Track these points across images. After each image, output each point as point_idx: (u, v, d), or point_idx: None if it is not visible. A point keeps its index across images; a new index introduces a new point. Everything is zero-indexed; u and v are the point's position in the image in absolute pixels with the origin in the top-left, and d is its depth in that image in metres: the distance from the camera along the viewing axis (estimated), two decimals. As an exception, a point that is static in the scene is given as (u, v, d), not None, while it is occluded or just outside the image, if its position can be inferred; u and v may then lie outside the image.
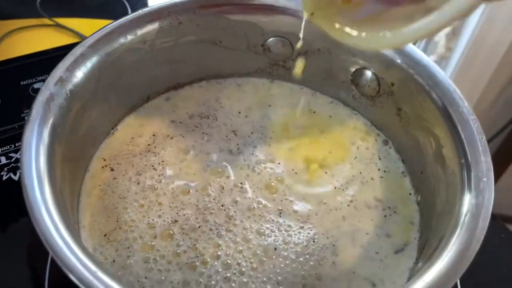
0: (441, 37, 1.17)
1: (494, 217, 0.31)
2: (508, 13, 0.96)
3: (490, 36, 1.02)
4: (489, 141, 1.16)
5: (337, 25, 0.26)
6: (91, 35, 0.31)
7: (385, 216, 0.33)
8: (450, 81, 0.31)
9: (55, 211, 0.24)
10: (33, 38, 0.58)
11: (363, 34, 0.25)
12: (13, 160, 0.42)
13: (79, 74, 0.30)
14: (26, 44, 0.56)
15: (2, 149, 0.43)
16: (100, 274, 0.22)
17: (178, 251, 0.30)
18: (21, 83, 0.48)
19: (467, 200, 0.26)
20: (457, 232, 0.25)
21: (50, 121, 0.27)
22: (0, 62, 0.51)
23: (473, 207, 0.25)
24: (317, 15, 0.28)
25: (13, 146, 0.43)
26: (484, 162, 0.27)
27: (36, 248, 0.36)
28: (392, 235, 0.32)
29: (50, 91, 0.28)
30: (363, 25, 0.25)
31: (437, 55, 1.20)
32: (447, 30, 1.13)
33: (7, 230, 0.38)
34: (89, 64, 0.30)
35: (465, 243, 0.24)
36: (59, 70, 0.29)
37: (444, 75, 0.32)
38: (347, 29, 0.26)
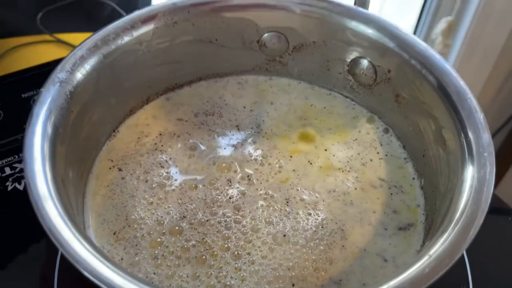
0: (438, 34, 1.17)
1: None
2: (503, 6, 0.97)
3: (486, 31, 1.02)
4: (493, 134, 1.16)
5: None
6: (88, 37, 0.32)
7: (391, 194, 0.33)
8: (445, 63, 0.32)
9: (61, 207, 0.24)
10: (35, 53, 0.59)
11: None
12: (17, 170, 0.42)
13: (78, 76, 0.30)
14: (27, 59, 0.57)
15: (6, 160, 0.43)
16: (112, 267, 0.22)
17: (187, 245, 0.30)
18: (22, 95, 0.49)
19: (469, 176, 0.26)
20: (461, 207, 0.25)
21: (52, 121, 0.27)
22: (2, 77, 0.51)
23: (475, 181, 0.25)
24: None
25: (16, 156, 0.43)
26: (484, 137, 0.27)
27: (43, 254, 0.36)
28: (399, 211, 0.32)
29: (50, 92, 0.28)
30: None
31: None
32: (442, 26, 1.14)
33: (14, 238, 0.38)
34: (87, 66, 0.31)
35: (470, 216, 0.24)
36: (59, 71, 0.29)
37: (439, 57, 0.32)
38: None
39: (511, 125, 1.13)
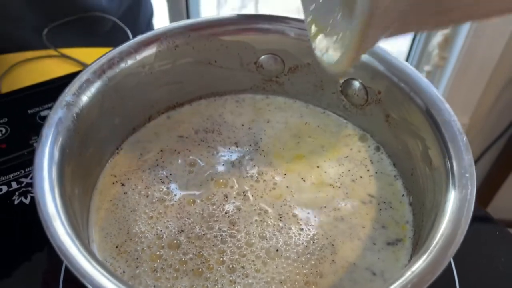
0: (434, 47, 1.19)
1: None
2: (498, 19, 0.98)
3: (482, 42, 1.04)
4: (488, 147, 1.18)
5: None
6: (94, 61, 0.34)
7: (380, 209, 0.34)
8: (432, 86, 0.33)
9: (68, 225, 0.25)
10: (40, 68, 0.61)
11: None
12: (23, 184, 0.44)
13: (84, 98, 0.32)
14: (33, 74, 0.59)
15: (13, 174, 0.45)
16: (116, 281, 0.23)
17: (185, 259, 0.31)
18: (29, 111, 0.51)
19: (452, 195, 0.28)
20: (443, 225, 0.26)
21: (59, 143, 0.29)
22: (9, 93, 0.53)
23: (457, 200, 0.27)
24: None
25: (23, 171, 0.45)
26: (466, 159, 0.29)
27: (49, 268, 0.38)
28: (388, 226, 0.33)
29: (58, 115, 0.30)
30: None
31: (431, 65, 1.22)
32: (439, 39, 1.16)
33: (20, 252, 0.39)
34: (93, 89, 0.33)
35: (450, 235, 0.26)
36: (66, 95, 0.31)
37: (427, 81, 0.34)
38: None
39: (507, 136, 1.15)
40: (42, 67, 0.62)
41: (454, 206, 0.27)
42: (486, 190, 1.19)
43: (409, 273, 0.24)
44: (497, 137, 1.15)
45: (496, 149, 1.18)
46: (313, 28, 0.30)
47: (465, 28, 1.07)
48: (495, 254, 0.41)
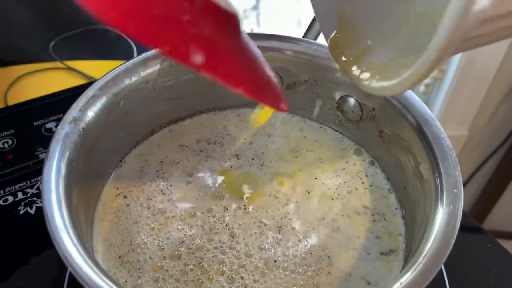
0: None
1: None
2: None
3: (481, 53, 1.06)
4: (487, 158, 1.19)
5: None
6: (100, 78, 0.35)
7: (374, 220, 0.36)
8: (423, 104, 0.35)
9: (75, 236, 0.27)
10: (46, 80, 0.63)
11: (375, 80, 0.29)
12: (29, 195, 0.45)
13: (90, 114, 0.34)
14: (39, 86, 0.61)
15: (19, 185, 0.46)
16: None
17: (185, 269, 0.33)
18: (34, 123, 0.52)
19: (441, 209, 0.29)
20: (432, 239, 0.28)
21: (66, 157, 0.30)
22: (15, 105, 0.55)
23: (445, 215, 0.28)
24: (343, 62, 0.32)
25: (28, 182, 0.46)
26: (455, 175, 0.30)
27: (53, 277, 0.39)
28: (382, 237, 0.35)
29: (65, 129, 0.31)
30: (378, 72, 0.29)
31: (430, 77, 1.24)
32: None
33: (25, 261, 0.40)
34: (98, 105, 0.34)
35: (438, 248, 0.27)
36: (73, 110, 0.33)
37: (418, 99, 0.35)
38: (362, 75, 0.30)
39: (506, 147, 1.16)
40: (49, 79, 0.64)
41: (442, 220, 0.28)
42: (485, 201, 1.20)
43: (397, 284, 0.25)
44: (496, 148, 1.16)
45: (495, 160, 1.19)
46: (352, 53, 0.32)
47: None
48: (487, 266, 0.42)
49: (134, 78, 0.37)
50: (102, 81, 0.35)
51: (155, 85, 0.39)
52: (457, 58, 1.11)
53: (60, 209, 0.27)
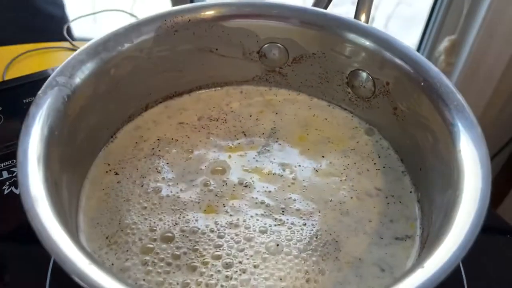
0: (441, 52, 1.18)
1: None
2: (506, 25, 0.97)
3: (490, 49, 1.03)
4: (495, 154, 1.16)
5: None
6: (88, 42, 0.32)
7: (388, 203, 0.33)
8: (443, 76, 0.32)
9: (53, 210, 0.24)
10: (52, 59, 0.61)
11: None
12: (14, 174, 0.42)
13: (77, 80, 0.30)
14: (42, 64, 0.59)
15: (4, 164, 0.43)
16: (103, 272, 0.21)
17: (178, 253, 0.30)
18: (24, 101, 0.49)
19: (465, 190, 0.26)
20: (456, 221, 0.24)
21: (48, 123, 0.27)
22: (5, 81, 0.52)
23: (471, 195, 0.25)
24: None
25: (14, 161, 0.43)
26: (481, 154, 0.27)
27: (36, 259, 0.36)
28: (397, 220, 0.31)
29: (48, 95, 0.28)
30: None
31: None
32: (446, 44, 1.15)
33: (8, 242, 0.38)
34: (86, 71, 0.31)
35: (465, 230, 0.24)
36: (57, 75, 0.30)
37: (437, 70, 0.32)
38: None
39: (513, 146, 1.13)
40: (54, 58, 0.62)
41: (466, 205, 0.25)
42: (492, 197, 1.17)
43: (420, 269, 0.22)
44: (503, 146, 1.13)
45: (502, 157, 1.16)
46: None
47: (473, 33, 1.05)
48: (507, 258, 0.38)
49: (126, 45, 0.34)
50: (90, 45, 0.32)
51: (150, 54, 0.35)
52: (465, 52, 1.08)
53: (37, 179, 0.24)
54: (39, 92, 0.28)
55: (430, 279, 0.21)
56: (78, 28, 0.74)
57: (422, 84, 0.32)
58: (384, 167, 0.35)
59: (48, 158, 0.26)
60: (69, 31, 0.65)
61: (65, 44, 0.64)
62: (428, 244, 0.28)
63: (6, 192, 0.41)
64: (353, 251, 0.30)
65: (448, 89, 0.31)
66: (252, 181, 0.34)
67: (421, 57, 0.33)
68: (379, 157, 0.36)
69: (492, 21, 1.00)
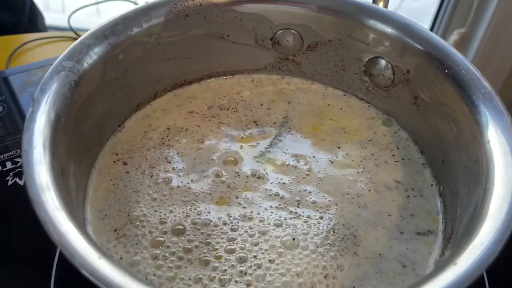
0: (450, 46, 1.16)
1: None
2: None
3: (499, 43, 1.01)
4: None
5: None
6: (95, 26, 0.31)
7: (408, 196, 0.31)
8: (468, 62, 0.30)
9: (59, 199, 0.22)
10: (56, 49, 0.60)
11: None
12: (18, 165, 0.41)
13: (84, 65, 0.29)
14: (45, 54, 0.58)
15: (8, 154, 0.42)
16: (111, 265, 0.20)
17: (190, 246, 0.28)
18: (29, 89, 0.48)
19: (496, 183, 0.24)
20: (488, 218, 0.23)
21: (54, 110, 0.26)
22: (10, 70, 0.51)
23: (503, 189, 0.24)
24: None
25: (18, 151, 0.42)
26: (510, 141, 0.26)
27: (42, 250, 0.35)
28: (418, 215, 0.30)
29: (54, 80, 0.27)
30: None
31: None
32: (455, 38, 1.12)
33: (12, 233, 0.36)
34: (93, 55, 0.30)
35: (499, 227, 0.22)
36: (64, 59, 0.28)
37: (462, 57, 0.30)
38: None
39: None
40: (59, 48, 0.60)
41: (499, 198, 0.23)
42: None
43: (452, 265, 0.20)
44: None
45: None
46: None
47: (483, 26, 1.03)
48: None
49: (135, 29, 0.32)
50: (98, 29, 0.31)
51: (159, 39, 0.34)
52: (475, 45, 1.06)
53: (43, 167, 0.23)
54: (45, 76, 0.27)
55: (463, 276, 0.20)
56: (81, 20, 0.73)
57: (446, 71, 0.30)
58: (403, 159, 0.34)
59: (54, 144, 0.24)
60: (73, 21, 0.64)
61: (69, 33, 0.63)
62: (455, 239, 0.26)
63: (10, 183, 0.40)
64: (372, 246, 0.29)
65: (474, 76, 0.29)
66: (266, 173, 0.33)
67: (445, 43, 0.31)
68: (398, 148, 0.35)
69: (503, 14, 0.98)
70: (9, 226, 0.37)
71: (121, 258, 0.28)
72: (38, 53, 0.59)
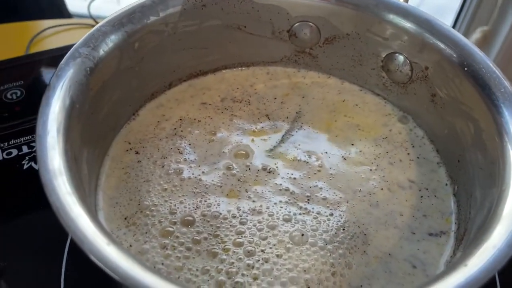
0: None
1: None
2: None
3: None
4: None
5: None
6: (112, 14, 0.31)
7: (422, 197, 0.31)
8: (489, 61, 0.29)
9: (71, 185, 0.22)
10: (75, 35, 0.61)
11: None
12: (34, 149, 0.42)
13: (100, 52, 0.29)
14: (64, 40, 0.58)
15: (24, 138, 0.42)
16: (121, 252, 0.20)
17: (198, 238, 0.28)
18: (46, 75, 0.49)
19: (511, 187, 0.24)
20: (503, 220, 0.22)
21: (69, 95, 0.26)
22: (28, 55, 0.51)
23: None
24: None
25: (34, 135, 0.43)
26: (532, 144, 0.25)
27: (54, 233, 0.35)
28: (430, 215, 0.29)
29: (70, 66, 0.27)
30: None
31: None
32: (478, 36, 1.10)
33: (27, 217, 0.37)
34: (110, 42, 0.30)
35: (509, 233, 0.21)
36: (80, 46, 0.28)
37: (483, 55, 0.30)
38: None
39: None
40: (77, 34, 0.61)
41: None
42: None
43: (462, 267, 0.20)
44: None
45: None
46: None
47: (507, 24, 1.01)
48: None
49: (152, 18, 0.32)
50: (115, 17, 0.31)
51: (176, 29, 0.34)
52: (498, 44, 1.04)
53: (57, 152, 0.23)
54: (61, 62, 0.27)
55: (473, 278, 0.20)
56: (101, 7, 0.74)
57: (465, 69, 0.30)
58: (418, 157, 0.33)
59: (68, 130, 0.25)
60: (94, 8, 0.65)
61: (89, 21, 0.63)
62: (467, 241, 0.26)
63: (25, 167, 0.40)
64: (382, 246, 0.28)
65: (494, 75, 0.29)
66: (276, 167, 0.32)
67: (465, 41, 0.31)
68: (413, 146, 0.34)
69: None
70: (24, 209, 0.37)
71: (130, 245, 0.28)
72: (57, 40, 0.60)
